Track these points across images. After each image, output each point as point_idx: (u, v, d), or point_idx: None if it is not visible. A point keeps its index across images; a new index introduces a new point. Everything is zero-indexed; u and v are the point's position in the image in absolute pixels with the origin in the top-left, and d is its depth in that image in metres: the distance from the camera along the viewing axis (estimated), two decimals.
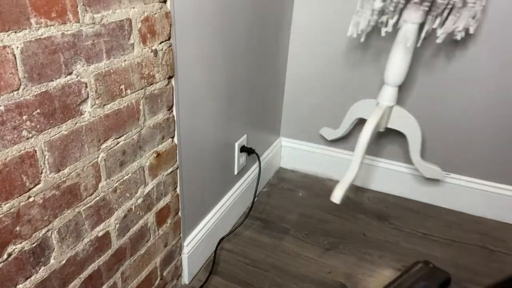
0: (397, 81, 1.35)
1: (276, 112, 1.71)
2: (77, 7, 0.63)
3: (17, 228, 0.62)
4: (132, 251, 0.93)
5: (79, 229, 0.75)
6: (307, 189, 1.70)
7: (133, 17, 0.75)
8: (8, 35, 0.54)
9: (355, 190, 1.70)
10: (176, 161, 1.01)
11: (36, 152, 0.62)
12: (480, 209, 1.54)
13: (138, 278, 0.98)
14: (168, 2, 0.83)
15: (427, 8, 1.20)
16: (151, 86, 0.85)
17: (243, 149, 1.39)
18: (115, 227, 0.85)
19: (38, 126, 0.62)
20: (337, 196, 1.33)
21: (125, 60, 0.76)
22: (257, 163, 1.51)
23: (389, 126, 1.46)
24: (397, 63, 1.32)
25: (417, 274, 1.18)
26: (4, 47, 0.54)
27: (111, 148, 0.78)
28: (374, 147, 1.64)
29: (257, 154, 1.41)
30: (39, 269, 0.68)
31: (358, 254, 1.35)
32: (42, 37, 0.59)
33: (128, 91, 0.79)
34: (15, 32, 0.55)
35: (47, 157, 0.64)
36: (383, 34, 1.33)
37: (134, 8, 0.74)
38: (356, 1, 1.30)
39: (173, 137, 0.98)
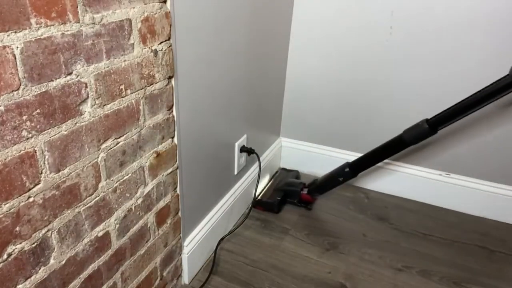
0: None
1: (276, 112, 1.71)
2: (77, 7, 0.63)
3: (17, 228, 0.62)
4: (132, 251, 0.93)
5: (79, 229, 0.75)
6: None
7: (133, 17, 0.75)
8: (8, 35, 0.54)
9: (355, 190, 1.70)
10: (176, 161, 1.01)
11: (36, 152, 0.62)
12: (480, 209, 1.54)
13: (138, 278, 0.98)
14: (168, 2, 0.83)
15: None
16: (151, 86, 0.85)
17: (243, 149, 1.39)
18: (115, 227, 0.85)
19: (38, 126, 0.62)
20: None
21: (125, 60, 0.76)
22: (257, 163, 1.51)
23: None
24: None
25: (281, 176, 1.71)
26: (4, 47, 0.54)
27: (111, 148, 0.78)
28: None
29: (257, 154, 1.41)
30: (39, 269, 0.68)
31: (358, 254, 1.35)
32: (42, 37, 0.59)
33: (128, 91, 0.79)
34: (15, 32, 0.55)
35: (47, 157, 0.64)
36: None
37: (134, 8, 0.74)
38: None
39: (173, 137, 0.97)
